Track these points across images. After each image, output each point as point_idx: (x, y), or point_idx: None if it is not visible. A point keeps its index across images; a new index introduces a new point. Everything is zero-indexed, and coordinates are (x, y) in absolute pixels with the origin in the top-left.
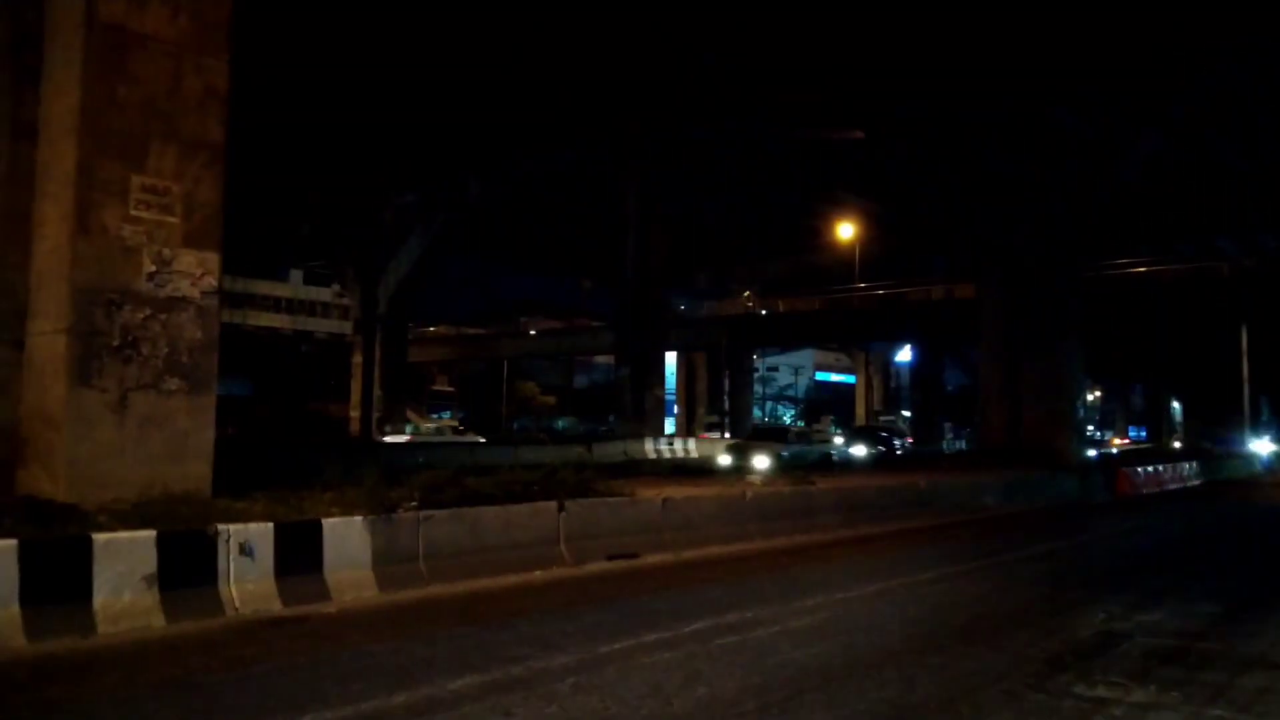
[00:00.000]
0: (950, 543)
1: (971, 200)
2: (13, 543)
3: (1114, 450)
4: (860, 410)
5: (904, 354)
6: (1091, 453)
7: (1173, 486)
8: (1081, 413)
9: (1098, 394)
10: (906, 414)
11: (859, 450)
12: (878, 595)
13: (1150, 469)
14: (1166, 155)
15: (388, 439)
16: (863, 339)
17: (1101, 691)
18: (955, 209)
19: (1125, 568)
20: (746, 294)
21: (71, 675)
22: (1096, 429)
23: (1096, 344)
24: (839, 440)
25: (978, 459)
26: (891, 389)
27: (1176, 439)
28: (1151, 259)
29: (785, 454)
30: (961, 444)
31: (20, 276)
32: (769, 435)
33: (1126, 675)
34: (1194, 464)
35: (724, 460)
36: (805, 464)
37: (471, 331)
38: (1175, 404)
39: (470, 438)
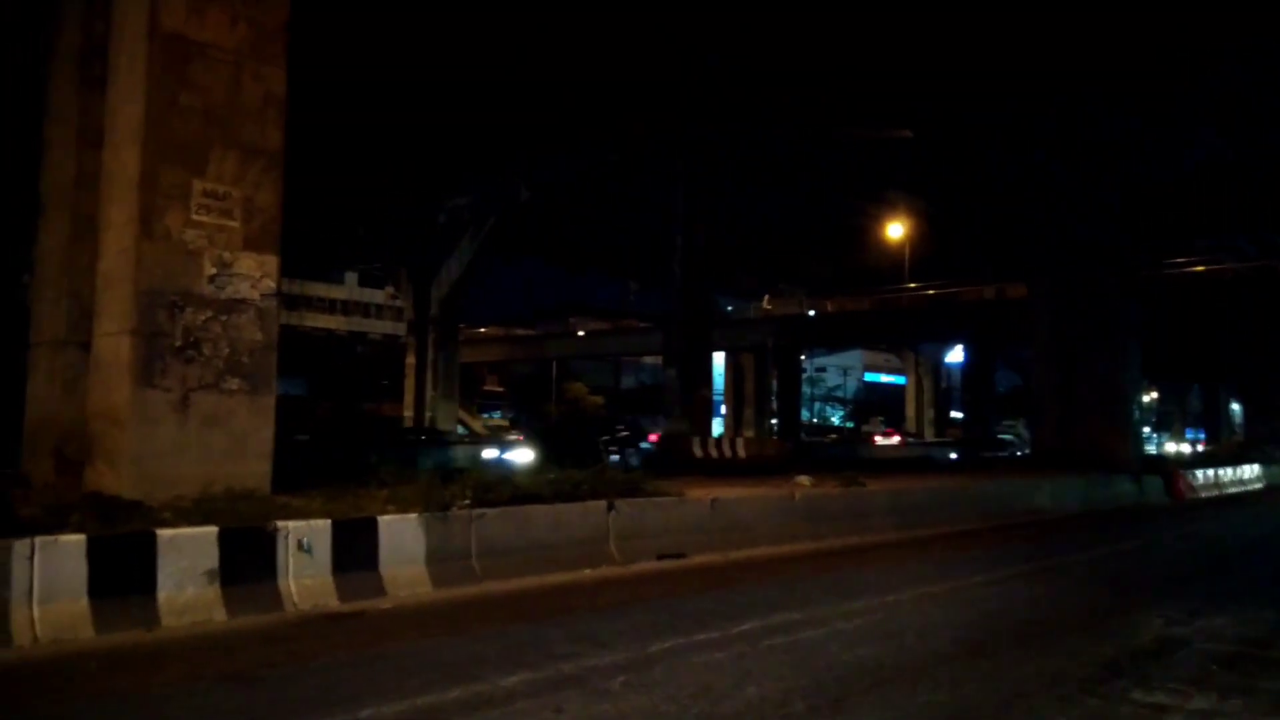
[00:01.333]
0: (1003, 546)
1: (1023, 199)
2: (81, 538)
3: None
4: (910, 411)
5: (955, 354)
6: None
7: (1232, 490)
8: (1138, 414)
9: (1154, 395)
10: (959, 415)
11: (518, 457)
12: (928, 598)
13: (1209, 471)
14: (1224, 151)
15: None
16: (912, 339)
17: (1160, 697)
18: (1006, 208)
19: (1184, 572)
20: (765, 298)
21: (138, 667)
22: (1153, 431)
23: (1153, 344)
24: (516, 438)
25: (1032, 461)
26: (942, 390)
27: (1237, 441)
28: (1210, 257)
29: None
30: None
31: (87, 280)
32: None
33: (1186, 681)
34: (1254, 466)
35: None
36: None
37: (521, 332)
38: (1234, 405)
39: None
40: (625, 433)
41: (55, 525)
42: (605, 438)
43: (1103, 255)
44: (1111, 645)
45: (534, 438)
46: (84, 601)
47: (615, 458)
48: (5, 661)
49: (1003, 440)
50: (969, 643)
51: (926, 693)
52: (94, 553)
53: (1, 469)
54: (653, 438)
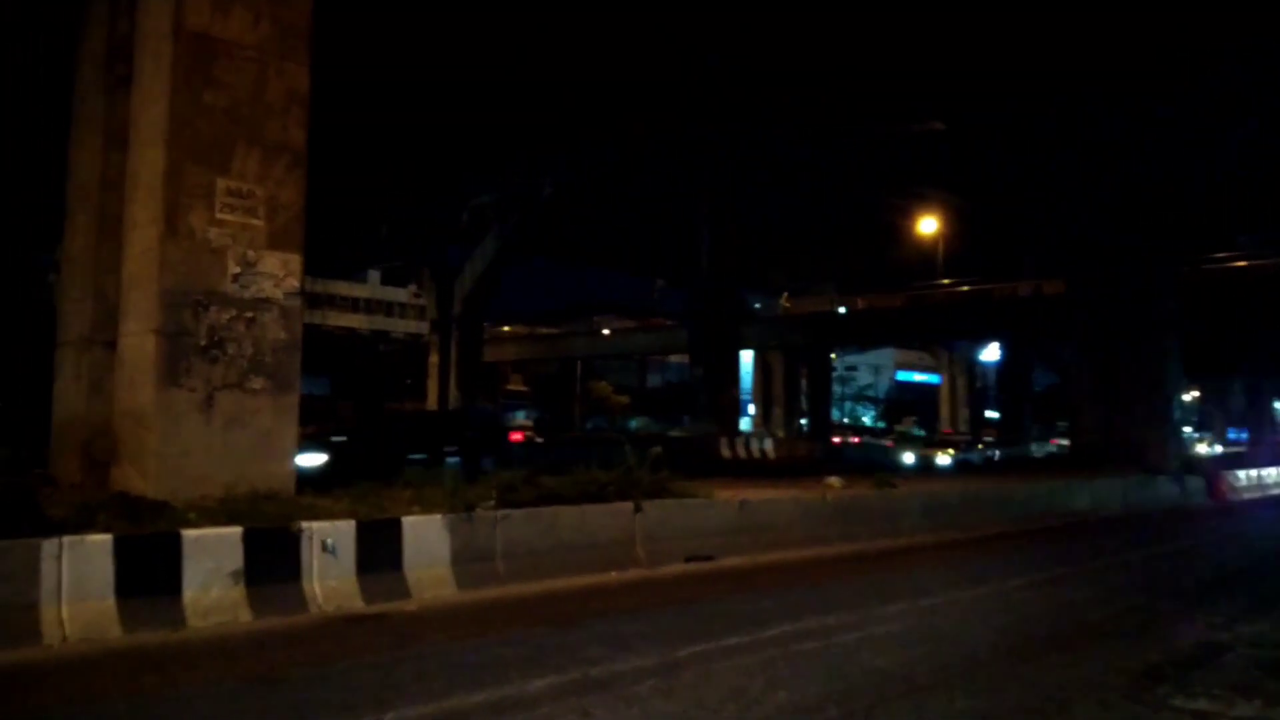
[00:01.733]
0: (1040, 548)
1: (1060, 194)
2: (108, 538)
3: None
4: (945, 411)
5: (990, 353)
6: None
7: (1276, 490)
8: (1178, 413)
9: (1195, 394)
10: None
11: (307, 461)
12: (964, 602)
13: (1252, 472)
14: (1265, 142)
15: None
16: (946, 337)
17: (1203, 704)
18: (1043, 203)
19: (1226, 575)
20: (784, 296)
21: (165, 667)
22: (1195, 430)
23: (1194, 342)
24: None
25: (1070, 461)
26: (977, 389)
27: None
28: (1252, 252)
29: None
30: (1052, 447)
31: (112, 279)
32: None
33: (1230, 688)
34: None
35: None
36: None
37: (545, 331)
38: (1277, 404)
39: None
40: (474, 434)
41: (83, 525)
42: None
43: (1142, 251)
44: (1152, 650)
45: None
46: (111, 601)
47: (453, 460)
48: (36, 660)
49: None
50: (1006, 648)
51: (963, 699)
52: (120, 552)
53: (30, 468)
54: (515, 437)
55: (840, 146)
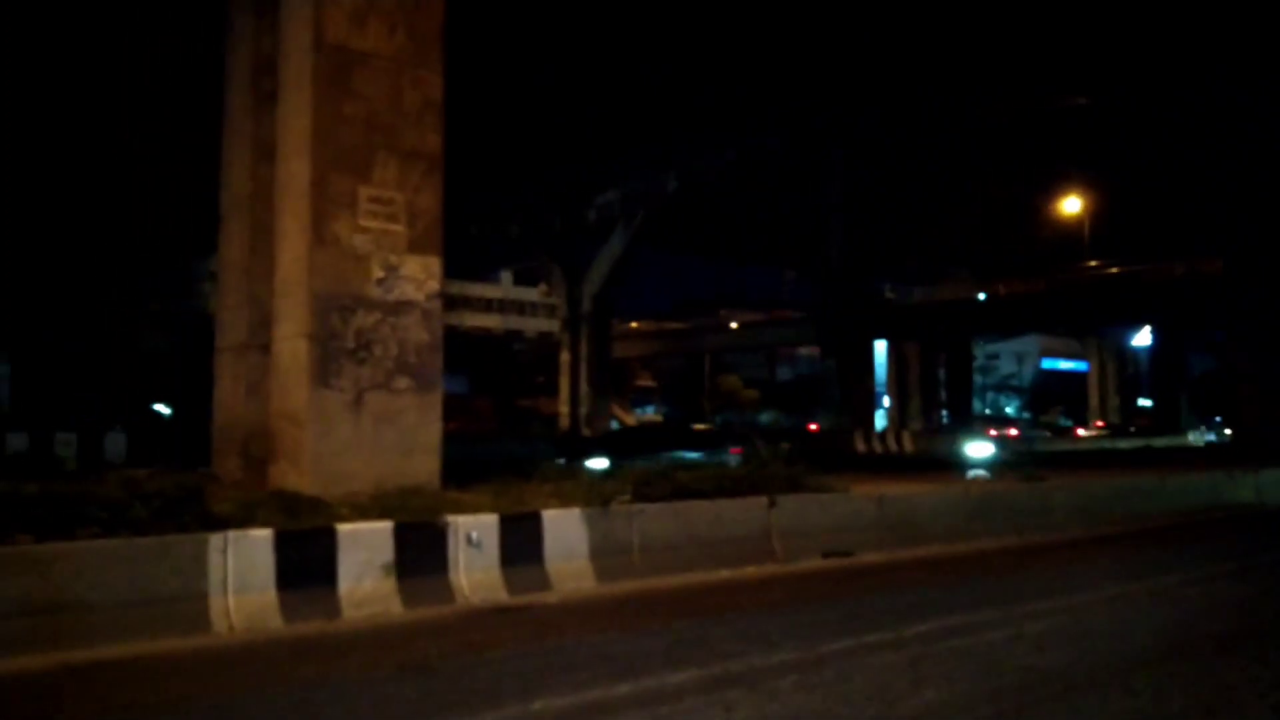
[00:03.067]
0: (1200, 543)
1: (1216, 172)
2: (269, 532)
3: None
4: (1094, 400)
5: (1141, 338)
6: None
7: None
8: None
9: None
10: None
11: None
12: (1119, 599)
13: None
14: None
15: None
16: (1094, 323)
17: None
18: (1196, 181)
19: None
20: (889, 288)
21: (322, 656)
22: None
23: None
24: None
25: (1231, 452)
26: (1128, 376)
27: None
28: None
29: None
30: (1210, 435)
31: (265, 287)
32: None
33: None
34: None
35: None
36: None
37: (672, 326)
38: None
39: None
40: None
41: (245, 520)
42: None
43: None
44: None
45: None
46: (272, 592)
47: None
48: (208, 648)
49: None
50: (1166, 647)
51: (1123, 699)
52: (280, 546)
53: (195, 467)
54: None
55: (979, 128)
